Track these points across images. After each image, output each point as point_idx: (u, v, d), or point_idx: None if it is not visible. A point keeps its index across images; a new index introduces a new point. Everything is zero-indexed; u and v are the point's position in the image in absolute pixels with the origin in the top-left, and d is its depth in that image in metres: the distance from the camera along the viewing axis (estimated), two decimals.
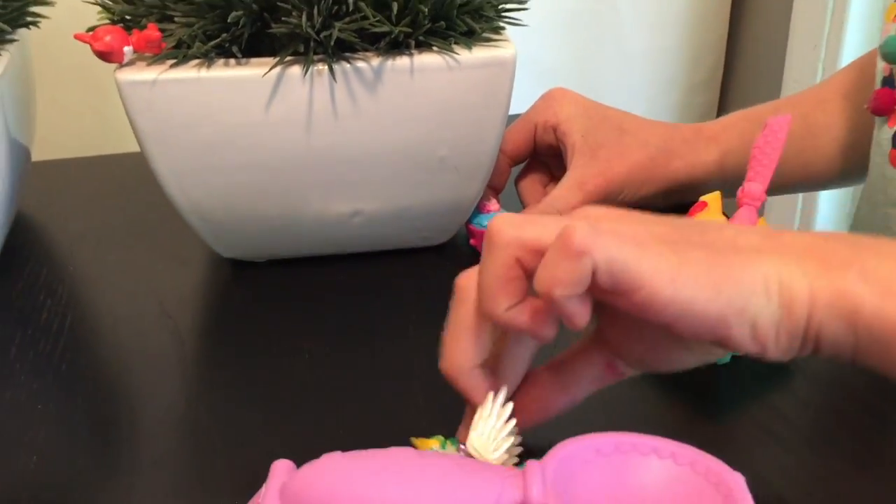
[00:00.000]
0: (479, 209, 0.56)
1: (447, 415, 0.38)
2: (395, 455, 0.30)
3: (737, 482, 0.30)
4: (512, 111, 0.52)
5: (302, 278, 0.55)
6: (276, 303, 0.53)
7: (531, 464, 0.30)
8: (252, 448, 0.40)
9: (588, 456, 0.31)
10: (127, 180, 0.69)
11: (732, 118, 0.62)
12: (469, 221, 0.57)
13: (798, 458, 0.40)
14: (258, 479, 0.32)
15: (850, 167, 0.62)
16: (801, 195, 1.18)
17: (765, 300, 0.30)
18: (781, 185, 0.64)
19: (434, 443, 0.37)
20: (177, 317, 0.51)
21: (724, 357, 0.45)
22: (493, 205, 0.57)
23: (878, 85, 0.54)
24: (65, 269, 0.57)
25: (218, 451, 0.40)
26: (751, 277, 0.31)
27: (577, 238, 0.30)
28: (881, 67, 0.54)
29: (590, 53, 1.17)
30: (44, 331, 0.50)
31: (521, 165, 0.61)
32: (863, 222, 0.57)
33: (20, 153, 0.55)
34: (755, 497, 0.29)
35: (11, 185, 0.53)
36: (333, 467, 0.30)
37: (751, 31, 1.28)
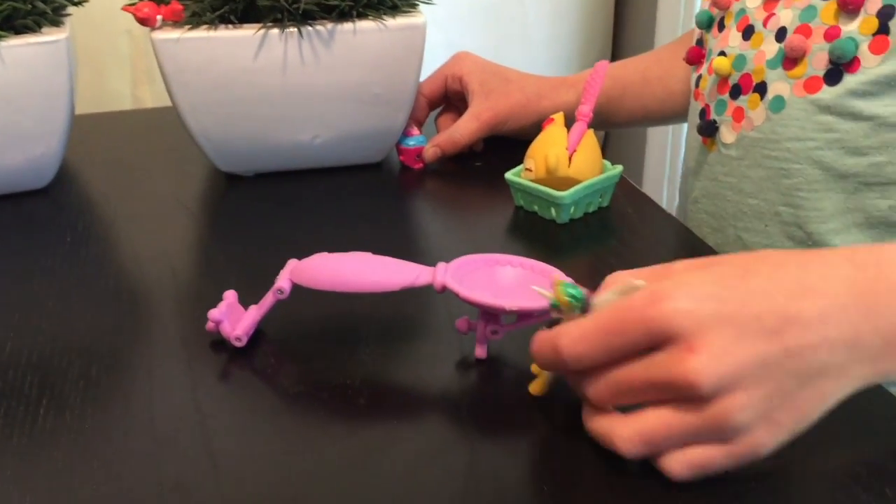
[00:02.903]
0: (406, 133, 0.79)
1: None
2: (357, 254, 0.52)
3: (556, 271, 0.51)
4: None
5: (279, 187, 0.76)
6: (260, 204, 0.74)
7: (440, 264, 0.51)
8: (250, 269, 0.62)
9: (476, 265, 0.52)
10: (134, 128, 0.90)
11: (589, 70, 0.85)
12: (399, 143, 0.79)
13: None
14: (260, 284, 0.54)
15: (676, 108, 0.85)
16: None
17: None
18: (629, 121, 0.88)
19: None
20: (191, 206, 0.73)
21: (565, 219, 0.68)
22: (415, 130, 0.79)
23: (693, 43, 0.77)
24: (103, 184, 0.78)
25: (231, 271, 0.62)
26: (837, 401, 0.39)
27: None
28: (697, 32, 0.77)
29: (501, 39, 1.42)
30: (97, 218, 0.71)
31: (439, 109, 0.84)
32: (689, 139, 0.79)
33: (72, 101, 0.76)
34: None
35: (69, 123, 0.74)
36: (320, 257, 0.52)
37: (630, 19, 1.54)
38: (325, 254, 0.52)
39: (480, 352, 0.52)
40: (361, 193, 0.76)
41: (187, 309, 0.57)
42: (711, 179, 0.72)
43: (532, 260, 0.52)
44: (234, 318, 0.52)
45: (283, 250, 0.56)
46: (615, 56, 1.58)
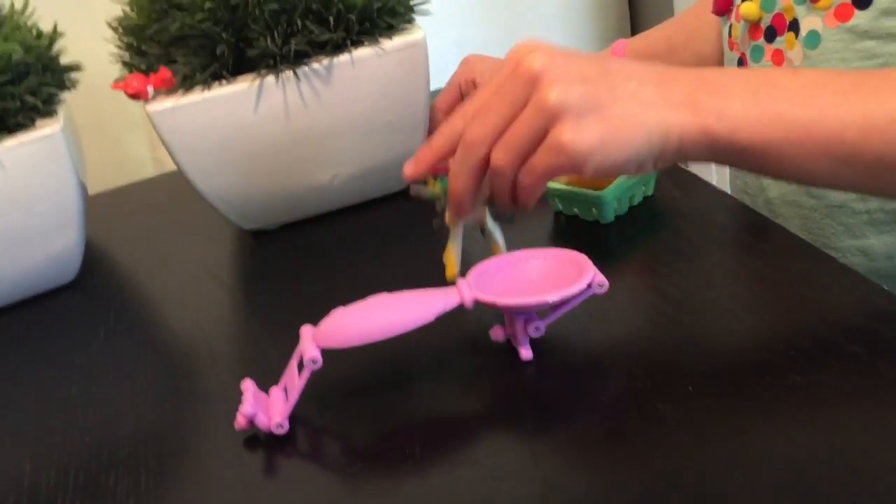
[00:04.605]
0: None
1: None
2: (374, 298, 0.49)
3: (584, 259, 0.48)
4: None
5: (306, 234, 0.73)
6: (290, 258, 0.71)
7: (460, 280, 0.48)
8: (288, 333, 0.59)
9: (498, 266, 0.50)
10: (154, 197, 0.88)
11: (608, 49, 0.80)
12: None
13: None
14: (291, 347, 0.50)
15: None
16: None
17: (651, 149, 0.46)
18: None
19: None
20: (221, 275, 0.70)
21: (609, 218, 0.63)
22: None
23: None
24: (130, 264, 0.75)
25: (269, 338, 0.59)
26: (645, 136, 0.45)
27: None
28: None
29: (512, 23, 1.36)
30: (129, 304, 0.68)
31: None
32: None
33: (83, 187, 0.74)
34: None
35: (83, 211, 0.71)
36: (338, 313, 0.48)
37: None
38: (342, 308, 0.49)
39: (526, 353, 0.50)
40: (391, 224, 0.72)
41: (231, 391, 0.54)
42: None
43: (549, 249, 0.51)
44: (263, 405, 0.49)
45: (317, 307, 0.53)
46: (634, 29, 1.51)
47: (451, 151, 0.49)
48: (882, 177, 0.47)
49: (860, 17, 0.57)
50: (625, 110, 0.45)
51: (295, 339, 0.50)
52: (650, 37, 0.81)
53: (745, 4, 0.64)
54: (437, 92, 0.78)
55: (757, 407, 0.44)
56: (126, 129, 1.16)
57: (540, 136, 0.45)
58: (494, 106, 0.46)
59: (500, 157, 0.47)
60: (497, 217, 0.55)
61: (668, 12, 1.39)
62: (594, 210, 0.63)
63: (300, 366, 0.48)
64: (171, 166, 0.71)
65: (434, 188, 0.57)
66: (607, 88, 0.45)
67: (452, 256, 0.54)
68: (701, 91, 0.46)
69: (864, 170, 0.47)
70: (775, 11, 0.63)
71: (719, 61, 0.77)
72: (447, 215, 0.53)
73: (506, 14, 1.38)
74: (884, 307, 0.49)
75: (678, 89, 0.46)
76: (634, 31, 1.52)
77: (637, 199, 0.65)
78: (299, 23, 0.64)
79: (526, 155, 0.46)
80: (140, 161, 1.17)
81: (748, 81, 0.48)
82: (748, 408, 0.44)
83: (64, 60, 0.72)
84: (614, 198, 0.62)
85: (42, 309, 0.70)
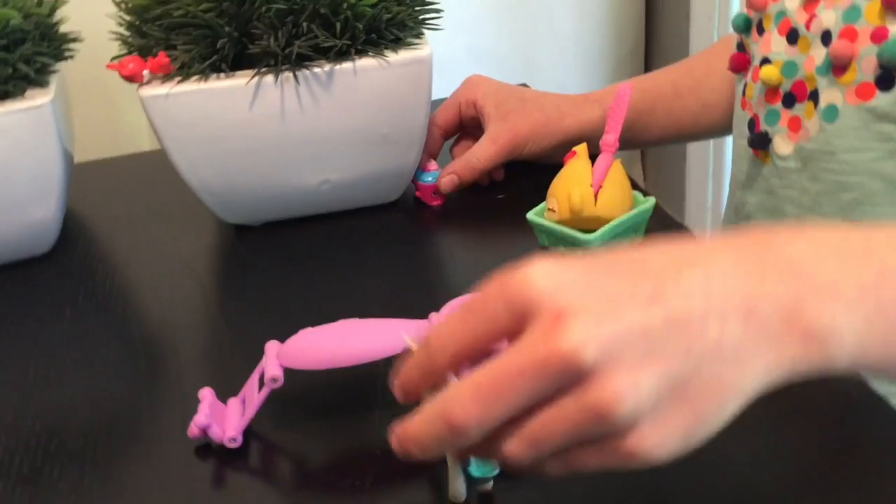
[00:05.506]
0: (423, 169, 0.73)
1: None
2: (344, 323, 0.48)
3: None
4: None
5: (288, 235, 0.72)
6: (269, 258, 0.69)
7: (432, 314, 0.47)
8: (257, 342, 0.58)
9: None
10: (143, 174, 0.86)
11: (615, 86, 0.79)
12: (416, 178, 0.74)
13: None
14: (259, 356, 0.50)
15: (713, 121, 0.79)
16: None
17: (748, 401, 0.33)
18: (660, 138, 0.81)
19: None
20: (196, 268, 0.68)
21: None
22: (432, 165, 0.74)
23: (734, 49, 0.71)
24: (108, 243, 0.74)
25: (238, 343, 0.58)
26: (741, 398, 0.33)
27: None
28: (736, 36, 0.71)
29: (525, 36, 1.35)
30: (100, 286, 0.67)
31: (454, 139, 0.78)
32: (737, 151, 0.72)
33: (68, 159, 0.72)
34: None
35: (65, 184, 0.70)
36: (306, 334, 0.48)
37: (663, 8, 1.46)
38: (309, 330, 0.48)
39: None
40: (376, 237, 0.71)
41: (189, 395, 0.53)
42: (768, 193, 0.66)
43: None
44: (219, 416, 0.48)
45: (292, 314, 0.53)
46: (648, 51, 1.50)
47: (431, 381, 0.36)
48: None
49: (881, 99, 0.56)
50: (710, 378, 0.32)
51: (261, 348, 0.49)
52: (657, 78, 0.79)
53: (766, 68, 0.62)
54: (439, 101, 0.76)
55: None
56: (123, 99, 1.15)
57: (588, 436, 0.33)
58: (508, 391, 0.32)
59: (518, 452, 0.34)
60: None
61: (684, 34, 1.37)
62: (581, 252, 0.62)
63: (261, 381, 0.48)
64: None
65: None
66: (683, 353, 0.31)
67: (453, 484, 0.43)
68: (806, 300, 0.33)
69: None
70: (797, 78, 0.61)
71: (725, 111, 0.76)
72: None
73: (519, 25, 1.36)
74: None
75: (773, 309, 0.32)
76: (649, 45, 1.50)
77: (626, 244, 0.64)
78: (305, 25, 0.62)
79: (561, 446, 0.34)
80: (136, 131, 1.16)
81: (860, 271, 0.34)
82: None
83: (66, 28, 0.70)
84: (602, 243, 0.61)
85: (12, 280, 0.68)
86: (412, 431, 0.35)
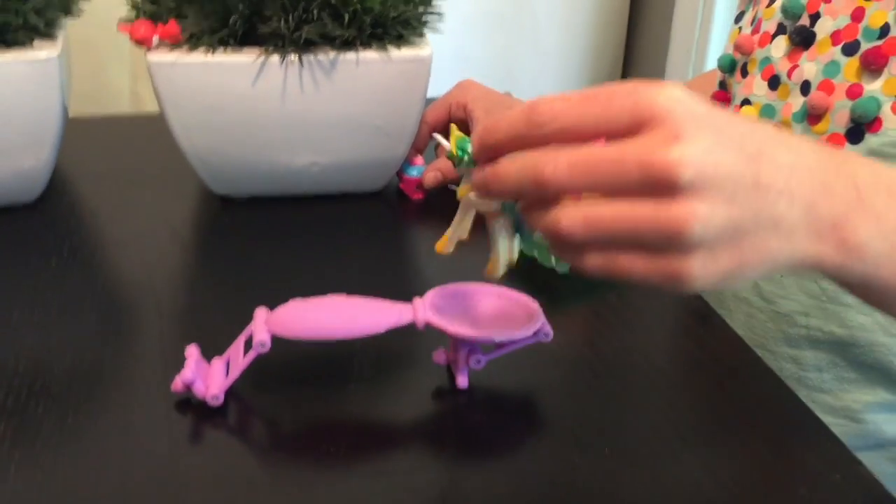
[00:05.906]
0: (409, 162, 0.77)
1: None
2: (333, 298, 0.51)
3: (535, 306, 0.51)
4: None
5: (272, 212, 0.74)
6: (252, 230, 0.72)
7: (416, 299, 0.50)
8: (235, 308, 0.60)
9: (451, 294, 0.52)
10: (131, 136, 0.88)
11: None
12: (401, 171, 0.77)
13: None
14: (247, 320, 0.52)
15: None
16: None
17: (766, 274, 0.38)
18: None
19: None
20: (181, 231, 0.71)
21: (564, 269, 0.66)
22: (418, 159, 0.77)
23: (716, 87, 0.75)
24: (94, 200, 0.76)
25: (218, 307, 0.60)
26: (769, 268, 0.37)
27: None
28: (719, 75, 0.75)
29: (511, 50, 1.39)
30: (85, 241, 0.69)
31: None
32: None
33: (65, 113, 0.74)
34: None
35: (60, 136, 0.71)
36: (296, 305, 0.50)
37: (642, 34, 1.51)
38: (300, 300, 0.51)
39: (462, 381, 0.52)
40: (356, 223, 0.74)
41: (170, 352, 0.55)
42: None
43: (507, 289, 0.53)
44: (203, 373, 0.51)
45: (271, 285, 0.55)
46: (626, 64, 1.55)
47: (515, 146, 0.39)
48: None
49: (849, 151, 0.59)
50: (760, 243, 0.37)
51: (240, 314, 0.52)
52: None
53: (746, 108, 0.66)
54: (429, 101, 0.80)
55: (665, 470, 0.47)
56: (110, 58, 1.16)
57: (648, 242, 0.36)
58: (602, 171, 0.35)
59: (572, 225, 0.36)
60: (519, 229, 0.46)
61: (662, 47, 1.43)
62: (553, 259, 0.66)
63: (247, 345, 0.50)
64: (149, 103, 0.71)
65: (454, 145, 0.44)
66: (753, 212, 0.36)
67: (449, 232, 0.47)
68: (854, 217, 0.38)
69: None
70: (773, 122, 0.65)
71: None
72: (462, 187, 0.45)
73: (505, 36, 1.40)
74: (785, 413, 0.53)
75: (830, 211, 0.38)
76: (627, 62, 1.55)
77: None
78: (315, 12, 0.65)
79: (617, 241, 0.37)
80: (118, 91, 1.17)
81: None
82: (654, 472, 0.47)
83: None
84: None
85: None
86: (501, 170, 0.38)
